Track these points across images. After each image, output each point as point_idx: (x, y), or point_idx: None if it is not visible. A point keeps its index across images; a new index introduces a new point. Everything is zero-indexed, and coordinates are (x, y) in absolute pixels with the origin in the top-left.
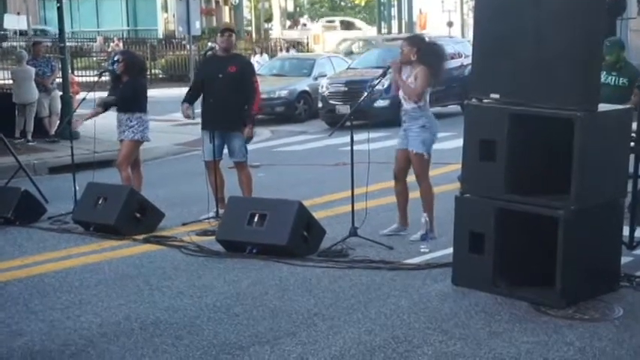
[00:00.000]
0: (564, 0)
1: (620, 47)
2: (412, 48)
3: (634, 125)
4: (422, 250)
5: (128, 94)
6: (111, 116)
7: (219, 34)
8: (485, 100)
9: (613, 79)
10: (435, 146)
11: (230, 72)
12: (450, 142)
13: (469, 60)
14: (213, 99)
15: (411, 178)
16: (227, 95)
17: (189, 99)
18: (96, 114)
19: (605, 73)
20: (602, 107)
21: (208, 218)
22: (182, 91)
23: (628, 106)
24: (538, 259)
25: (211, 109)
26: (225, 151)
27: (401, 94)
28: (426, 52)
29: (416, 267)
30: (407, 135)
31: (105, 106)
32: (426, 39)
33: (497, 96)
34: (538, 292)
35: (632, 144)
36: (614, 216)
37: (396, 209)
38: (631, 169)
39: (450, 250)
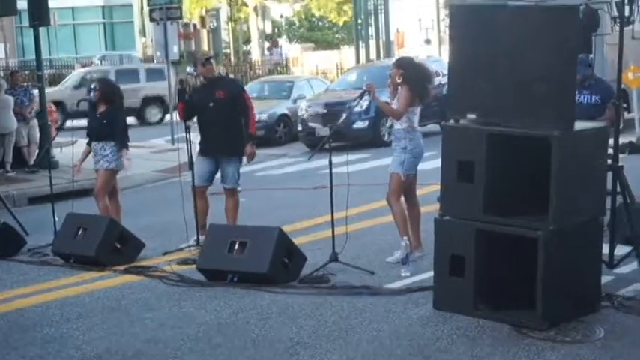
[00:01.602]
0: (539, 19)
1: (585, 65)
2: (398, 70)
3: (610, 142)
4: (403, 274)
5: (102, 124)
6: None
7: (200, 65)
8: (462, 121)
9: (585, 98)
10: None
11: (219, 98)
12: (430, 163)
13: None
14: (207, 127)
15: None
16: (220, 122)
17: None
18: (86, 156)
19: (576, 92)
20: (579, 125)
21: (189, 246)
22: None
23: (603, 123)
24: (519, 280)
25: (207, 137)
26: (218, 176)
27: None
28: (411, 74)
29: (397, 291)
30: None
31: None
32: (414, 60)
33: (474, 116)
34: (519, 314)
35: (610, 161)
36: (594, 235)
37: (376, 234)
38: (609, 187)
39: (431, 273)
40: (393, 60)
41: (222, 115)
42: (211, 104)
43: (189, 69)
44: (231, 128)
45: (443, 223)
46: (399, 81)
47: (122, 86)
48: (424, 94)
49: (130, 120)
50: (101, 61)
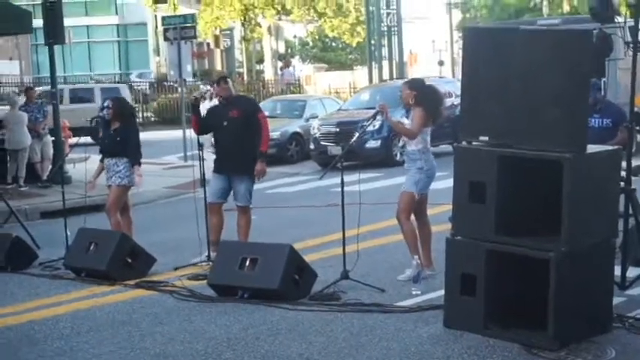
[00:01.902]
0: (552, 42)
1: (596, 89)
2: (411, 92)
3: (623, 164)
4: (413, 292)
5: (116, 140)
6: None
7: (215, 85)
8: (475, 143)
9: (597, 122)
10: None
11: (232, 117)
12: (442, 182)
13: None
14: (221, 146)
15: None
16: (234, 141)
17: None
18: (100, 172)
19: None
20: (591, 148)
21: (201, 261)
22: (174, 133)
23: (616, 146)
24: (530, 300)
25: (221, 155)
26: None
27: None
28: (424, 96)
29: (408, 310)
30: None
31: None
32: (425, 82)
33: (486, 138)
34: (530, 334)
35: (622, 183)
36: (606, 256)
37: (387, 252)
38: (622, 209)
39: (442, 292)
40: (404, 81)
41: (236, 135)
42: (225, 123)
43: (202, 87)
44: (244, 147)
45: (454, 243)
46: (411, 102)
47: (75, 106)
48: (437, 115)
49: (86, 139)
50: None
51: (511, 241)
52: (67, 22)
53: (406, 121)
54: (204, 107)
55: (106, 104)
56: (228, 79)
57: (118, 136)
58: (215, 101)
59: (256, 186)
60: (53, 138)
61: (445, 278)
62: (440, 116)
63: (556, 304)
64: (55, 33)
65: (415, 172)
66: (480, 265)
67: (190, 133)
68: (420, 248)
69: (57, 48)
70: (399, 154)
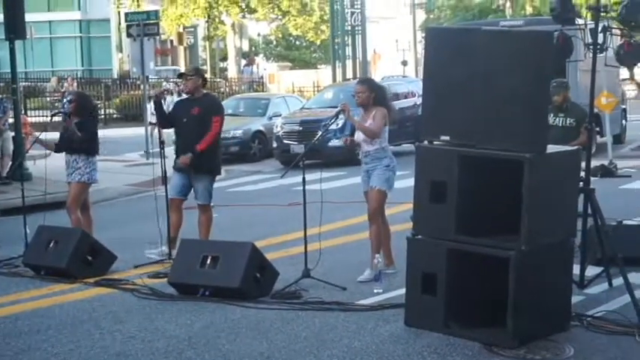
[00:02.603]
0: (514, 43)
1: (565, 88)
2: (370, 93)
3: (583, 165)
4: (375, 291)
5: (75, 136)
6: (62, 158)
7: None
8: (436, 142)
9: (561, 121)
10: None
11: (193, 114)
12: (403, 182)
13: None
14: (181, 142)
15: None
16: (192, 138)
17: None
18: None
19: (552, 114)
20: (551, 148)
21: (155, 257)
22: (136, 131)
23: (576, 147)
24: (490, 299)
25: (181, 151)
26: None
27: (360, 137)
28: (383, 96)
29: (369, 308)
30: (370, 175)
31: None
32: (376, 81)
33: (447, 138)
34: (490, 332)
35: (581, 183)
36: (565, 255)
37: (349, 250)
38: (580, 208)
39: (403, 290)
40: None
41: (193, 132)
42: (185, 120)
43: (165, 84)
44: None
45: (415, 242)
46: (370, 103)
47: None
48: (393, 114)
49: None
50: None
51: (471, 240)
52: (29, 17)
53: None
54: (169, 102)
55: (69, 98)
56: (194, 76)
57: (80, 131)
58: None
59: (218, 184)
60: (13, 134)
61: (406, 277)
62: (396, 115)
63: (515, 303)
64: (15, 28)
65: (383, 169)
66: (440, 264)
67: (152, 130)
68: (383, 247)
69: (18, 43)
70: (360, 154)
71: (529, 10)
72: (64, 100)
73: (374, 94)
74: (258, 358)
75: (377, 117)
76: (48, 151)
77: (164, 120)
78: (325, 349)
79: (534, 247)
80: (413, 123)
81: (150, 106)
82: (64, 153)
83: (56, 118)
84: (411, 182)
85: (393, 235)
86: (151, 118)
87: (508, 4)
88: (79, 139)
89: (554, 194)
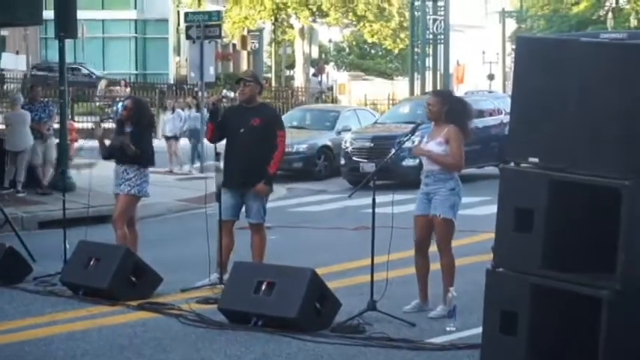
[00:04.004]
0: (617, 57)
1: None
2: (443, 106)
3: None
4: (448, 329)
5: (129, 150)
6: (110, 167)
7: (236, 85)
8: (523, 165)
9: None
10: (469, 212)
11: (252, 125)
12: (486, 208)
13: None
14: (234, 155)
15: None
16: (248, 151)
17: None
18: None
19: None
20: None
21: (205, 285)
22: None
23: None
24: (578, 343)
25: (233, 165)
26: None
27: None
28: (456, 110)
29: (440, 347)
30: (431, 199)
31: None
32: (454, 94)
33: (536, 160)
34: None
35: None
36: None
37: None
38: None
39: (479, 329)
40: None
41: (251, 144)
42: (242, 130)
43: (224, 92)
44: (257, 160)
45: (495, 275)
46: (442, 117)
47: None
48: (468, 132)
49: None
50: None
51: (559, 275)
52: (81, 14)
53: (433, 146)
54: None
55: (125, 103)
56: (250, 81)
57: (132, 141)
58: (179, 112)
59: (279, 203)
60: (58, 140)
61: (484, 314)
62: (469, 134)
63: (607, 350)
64: (66, 26)
65: (447, 194)
66: (523, 301)
67: (167, 147)
68: (420, 282)
69: (68, 42)
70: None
71: (634, 22)
72: (119, 106)
73: (447, 108)
74: None
75: (452, 143)
76: (94, 160)
77: (216, 131)
78: None
79: (631, 287)
80: (498, 143)
81: (163, 118)
82: (114, 163)
83: (105, 125)
84: (493, 209)
85: (471, 266)
86: (165, 130)
87: (610, 15)
88: (133, 153)
89: None
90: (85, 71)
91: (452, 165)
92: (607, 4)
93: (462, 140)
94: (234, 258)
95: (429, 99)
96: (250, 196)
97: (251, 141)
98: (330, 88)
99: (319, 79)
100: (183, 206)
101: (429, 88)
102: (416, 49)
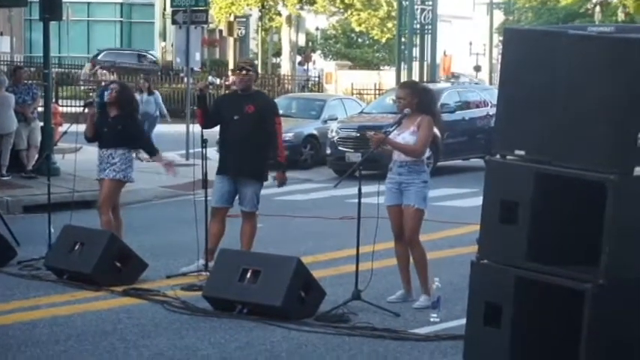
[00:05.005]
0: (606, 50)
1: None
2: (413, 98)
3: None
4: (432, 319)
5: (117, 129)
6: (95, 152)
7: (236, 72)
8: (509, 157)
9: None
10: (455, 203)
11: (247, 113)
12: (471, 200)
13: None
14: (229, 143)
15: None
16: (243, 139)
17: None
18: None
19: None
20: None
21: (191, 271)
22: (177, 127)
23: None
24: (561, 335)
25: (227, 153)
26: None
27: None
28: (426, 100)
29: (424, 338)
30: (403, 189)
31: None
32: (420, 84)
33: (522, 152)
34: None
35: None
36: None
37: None
38: None
39: (463, 320)
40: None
41: (246, 132)
42: (236, 117)
43: (210, 78)
44: (252, 148)
45: (480, 267)
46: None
47: None
48: (440, 124)
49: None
50: None
51: (544, 268)
52: None
53: (407, 136)
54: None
55: (111, 87)
56: (249, 70)
57: (119, 124)
58: (145, 96)
59: (264, 191)
60: (42, 124)
61: (468, 306)
62: (441, 122)
63: (589, 341)
64: (51, 8)
65: (422, 186)
66: (507, 293)
67: (194, 128)
68: (402, 272)
69: (53, 25)
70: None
71: (621, 16)
72: (105, 88)
73: (417, 100)
74: None
75: (421, 130)
76: (79, 145)
77: (208, 118)
78: None
79: (615, 281)
80: (484, 135)
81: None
82: (96, 148)
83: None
84: (478, 201)
85: (456, 258)
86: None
87: (598, 8)
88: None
89: None
90: (151, 58)
91: (412, 150)
92: None
93: (432, 130)
94: (221, 246)
95: (398, 92)
96: (244, 184)
97: (246, 128)
98: (317, 77)
99: (305, 67)
100: (169, 192)
101: (415, 78)
102: (403, 39)
